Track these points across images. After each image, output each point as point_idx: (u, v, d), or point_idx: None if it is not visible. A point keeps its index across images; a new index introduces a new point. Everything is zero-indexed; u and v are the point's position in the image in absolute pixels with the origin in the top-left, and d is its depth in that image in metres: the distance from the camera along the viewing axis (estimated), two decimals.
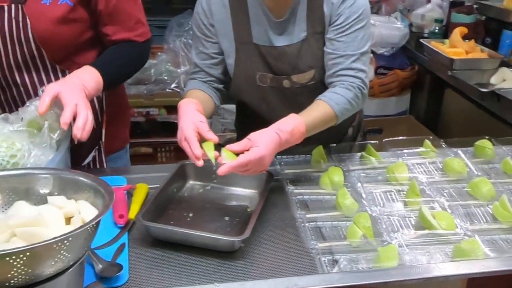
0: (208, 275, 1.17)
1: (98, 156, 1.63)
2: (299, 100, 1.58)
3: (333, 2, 1.49)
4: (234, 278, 1.16)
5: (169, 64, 3.35)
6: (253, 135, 1.33)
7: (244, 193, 1.48)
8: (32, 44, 1.43)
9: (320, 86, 1.57)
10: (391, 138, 1.69)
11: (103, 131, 1.61)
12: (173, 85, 3.24)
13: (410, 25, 3.60)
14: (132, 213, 1.35)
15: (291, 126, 1.36)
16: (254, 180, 1.46)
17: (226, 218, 1.37)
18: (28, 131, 1.31)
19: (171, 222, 1.33)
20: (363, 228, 1.24)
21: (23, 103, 1.44)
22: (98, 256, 1.18)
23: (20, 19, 1.40)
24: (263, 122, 1.44)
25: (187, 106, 1.41)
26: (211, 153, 1.30)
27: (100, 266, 1.16)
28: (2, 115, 1.36)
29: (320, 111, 1.46)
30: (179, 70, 3.29)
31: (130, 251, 1.24)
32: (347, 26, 1.49)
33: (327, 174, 1.48)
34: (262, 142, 1.30)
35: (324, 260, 1.20)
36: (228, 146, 1.31)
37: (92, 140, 1.46)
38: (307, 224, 1.31)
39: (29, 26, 1.41)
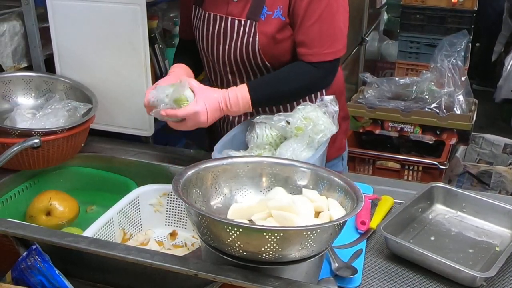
0: None
1: None
2: None
3: None
4: None
5: (433, 83, 3.28)
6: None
7: (495, 230, 1.36)
8: (258, 56, 1.53)
9: None
10: None
11: None
12: (433, 105, 3.15)
13: None
14: (374, 223, 1.37)
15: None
16: (510, 218, 1.35)
17: (470, 251, 1.29)
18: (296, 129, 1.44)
19: (411, 240, 1.31)
20: None
21: None
22: (336, 255, 1.24)
23: (252, 34, 1.51)
24: None
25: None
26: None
27: (336, 264, 1.21)
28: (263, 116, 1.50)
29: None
30: (442, 91, 3.19)
31: (366, 258, 1.27)
32: None
33: None
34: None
35: None
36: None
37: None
38: None
39: (257, 42, 1.51)
